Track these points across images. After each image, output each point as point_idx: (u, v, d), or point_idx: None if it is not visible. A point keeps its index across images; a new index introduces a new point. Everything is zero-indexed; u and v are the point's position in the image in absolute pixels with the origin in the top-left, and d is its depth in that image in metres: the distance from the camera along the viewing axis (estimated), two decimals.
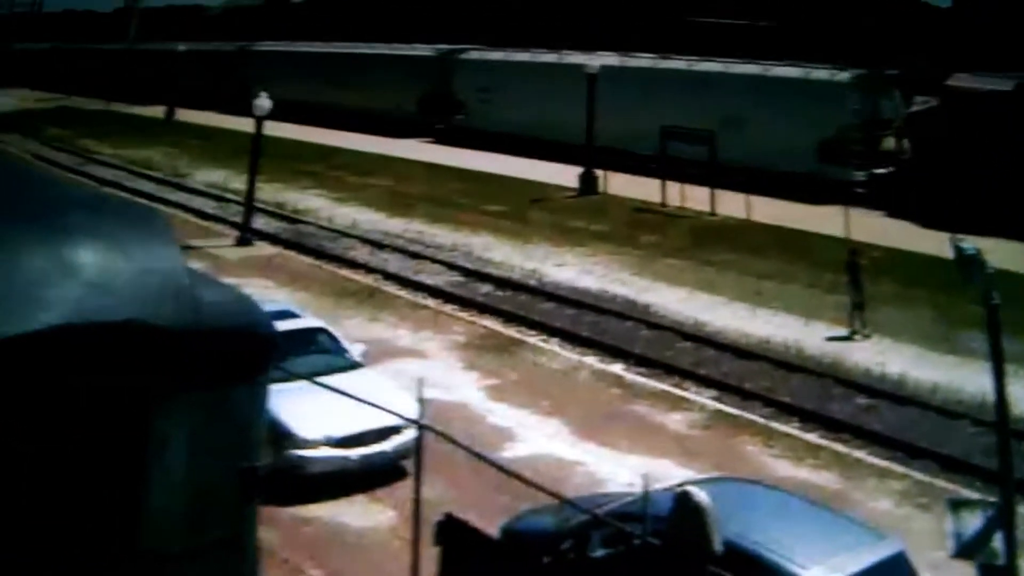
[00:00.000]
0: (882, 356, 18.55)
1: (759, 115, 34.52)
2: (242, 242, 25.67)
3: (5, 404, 5.59)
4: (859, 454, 14.36)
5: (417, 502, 9.98)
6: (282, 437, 12.05)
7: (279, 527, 10.99)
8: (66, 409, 5.81)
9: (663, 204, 31.87)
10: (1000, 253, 14.33)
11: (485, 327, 19.60)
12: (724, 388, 16.90)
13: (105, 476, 5.93)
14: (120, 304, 5.94)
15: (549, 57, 43.75)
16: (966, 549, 9.44)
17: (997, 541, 9.33)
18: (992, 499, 10.60)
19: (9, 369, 5.55)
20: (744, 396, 16.56)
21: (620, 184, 34.17)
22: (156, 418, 6.05)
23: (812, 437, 14.95)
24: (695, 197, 31.01)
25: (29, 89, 72.23)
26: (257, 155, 26.18)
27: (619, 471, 12.97)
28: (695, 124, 32.42)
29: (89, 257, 5.93)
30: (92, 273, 5.89)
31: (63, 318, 5.74)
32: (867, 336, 19.62)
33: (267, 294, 18.92)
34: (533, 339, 19.14)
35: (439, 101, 47.43)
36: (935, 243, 25.96)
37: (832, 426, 15.47)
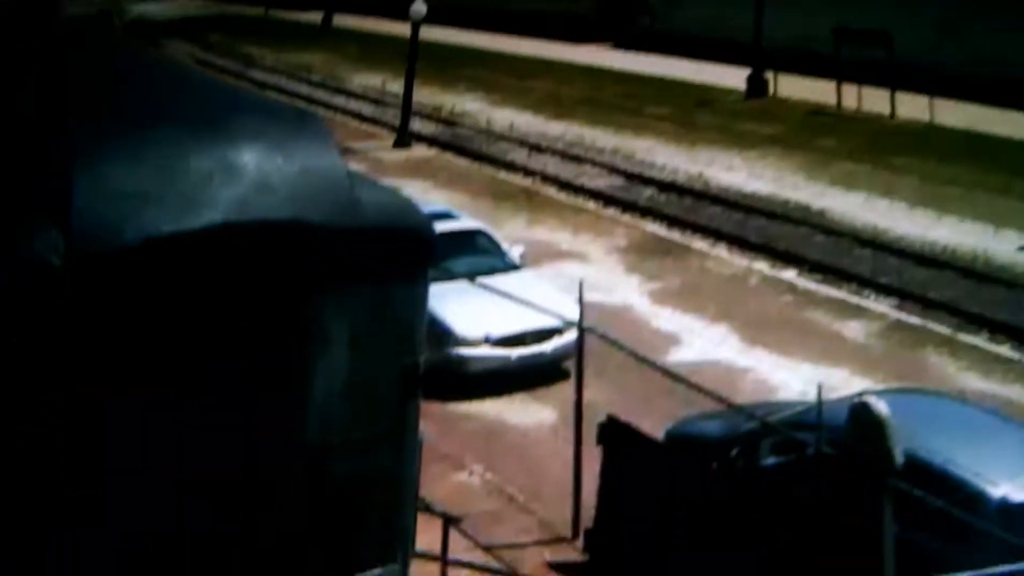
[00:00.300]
0: None
1: (977, 19, 32.20)
2: (400, 144, 25.89)
3: (173, 300, 5.69)
4: None
5: (579, 403, 9.92)
6: (442, 335, 12.17)
7: (440, 423, 11.12)
8: (231, 305, 5.89)
9: (839, 107, 30.66)
10: None
11: (648, 231, 19.31)
12: (905, 297, 16.18)
13: (270, 370, 6.02)
14: (282, 203, 6.05)
15: None
16: None
17: None
18: None
19: (177, 265, 5.65)
20: (927, 305, 15.83)
21: (792, 87, 32.97)
22: (319, 314, 6.13)
23: (1003, 350, 14.21)
24: (873, 100, 29.68)
25: None
26: (414, 58, 26.20)
27: (791, 379, 12.61)
28: (907, 28, 30.45)
29: (251, 158, 6.07)
30: (254, 174, 6.01)
31: (227, 216, 5.85)
32: None
33: (425, 195, 19.04)
34: (699, 244, 18.73)
35: (622, 4, 46.41)
36: None
37: None
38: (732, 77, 34.16)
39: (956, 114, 28.46)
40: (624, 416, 9.73)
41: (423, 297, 6.87)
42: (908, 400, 10.05)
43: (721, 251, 18.34)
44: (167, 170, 5.78)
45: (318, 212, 6.14)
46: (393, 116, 28.76)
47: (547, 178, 23.52)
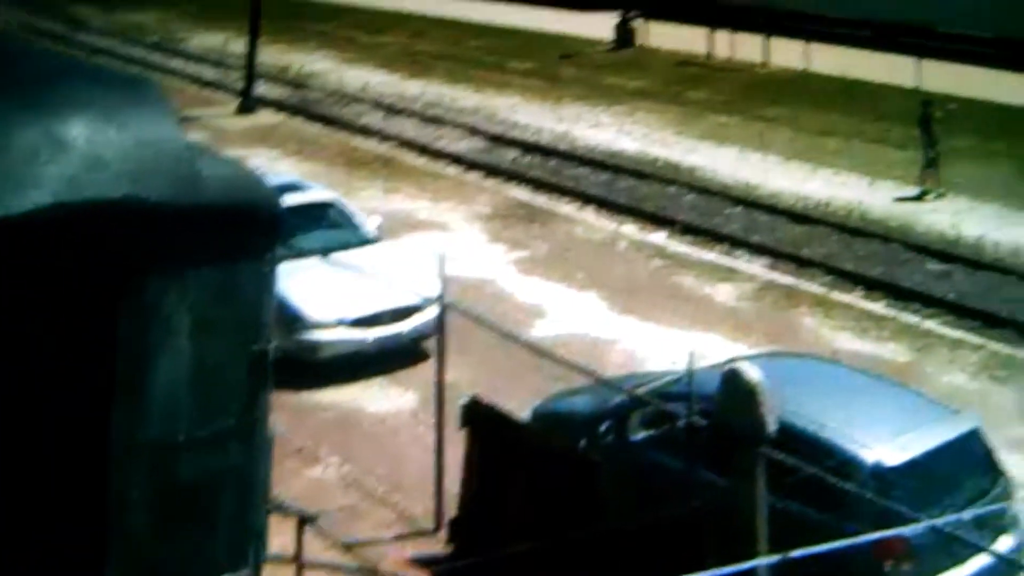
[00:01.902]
0: (957, 217, 18.23)
1: None
2: (244, 110, 25.43)
3: (3, 287, 5.55)
4: (930, 324, 14.18)
5: (440, 384, 9.96)
6: (293, 319, 12.05)
7: (293, 414, 11.04)
8: (61, 292, 5.76)
9: (709, 56, 31.23)
10: None
11: (512, 196, 19.43)
12: (779, 256, 16.69)
13: (106, 364, 5.90)
14: (115, 180, 5.92)
15: None
16: None
17: None
18: None
19: (4, 251, 5.51)
20: (801, 264, 16.36)
21: (662, 35, 33.44)
22: (158, 301, 6.04)
23: (878, 307, 14.76)
24: (747, 47, 30.33)
25: None
26: (258, 15, 25.72)
27: (662, 348, 12.88)
28: None
29: (81, 131, 5.91)
30: (85, 148, 5.86)
31: (56, 196, 5.72)
32: (941, 195, 19.24)
33: (272, 166, 18.79)
34: (565, 208, 18.93)
35: None
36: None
37: (900, 295, 15.25)
38: (599, 26, 34.47)
39: (832, 60, 29.24)
40: (489, 396, 9.81)
41: (271, 278, 6.81)
42: (780, 364, 10.37)
43: (589, 215, 18.57)
44: None
45: (156, 189, 6.01)
46: (236, 79, 28.23)
47: (404, 142, 23.42)
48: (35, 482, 5.92)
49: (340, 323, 12.35)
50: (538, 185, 20.28)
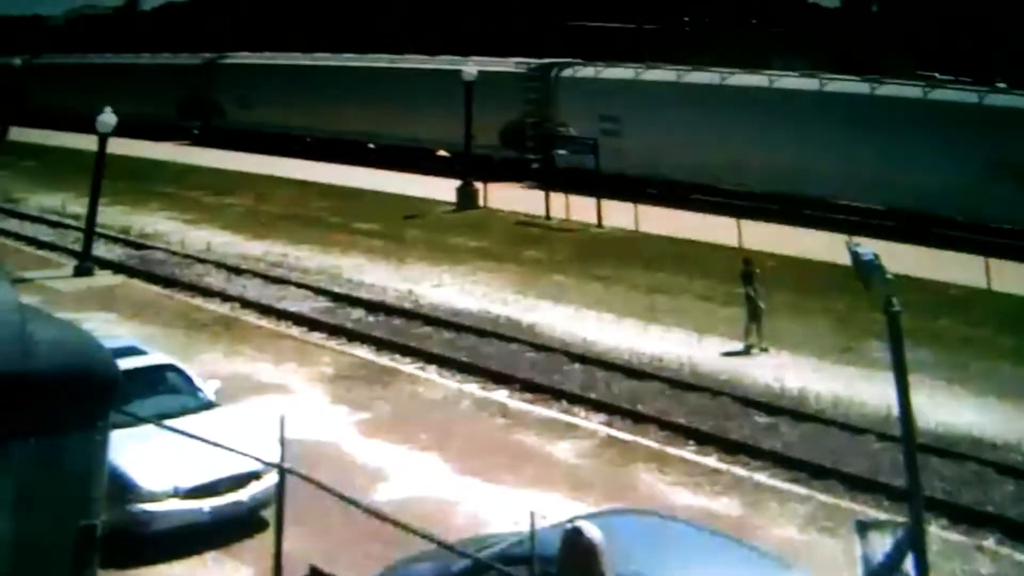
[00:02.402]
0: (780, 371, 18.73)
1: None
2: (81, 272, 24.72)
3: None
4: (760, 477, 14.37)
5: (278, 556, 9.58)
6: (124, 490, 11.45)
7: None
8: None
9: (547, 217, 32.01)
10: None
11: (356, 356, 19.20)
12: (615, 412, 16.80)
13: None
14: None
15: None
16: (876, 574, 9.44)
17: (908, 564, 9.35)
18: (901, 519, 10.67)
19: None
20: (637, 419, 16.50)
21: (502, 197, 34.23)
22: None
23: (710, 461, 14.92)
24: (581, 209, 31.21)
25: None
26: (100, 175, 25.30)
27: (505, 509, 12.69)
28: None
29: None
30: None
31: None
32: (764, 350, 19.82)
33: (109, 329, 18.23)
34: (409, 367, 18.79)
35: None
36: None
37: (730, 448, 15.50)
38: (442, 188, 35.13)
39: (659, 221, 30.29)
40: (329, 566, 9.48)
41: (103, 447, 6.44)
42: (621, 522, 10.31)
43: (432, 374, 18.45)
44: None
45: None
46: (74, 240, 27.61)
47: (247, 303, 23.10)
48: None
49: (175, 493, 11.80)
50: (382, 345, 20.13)
